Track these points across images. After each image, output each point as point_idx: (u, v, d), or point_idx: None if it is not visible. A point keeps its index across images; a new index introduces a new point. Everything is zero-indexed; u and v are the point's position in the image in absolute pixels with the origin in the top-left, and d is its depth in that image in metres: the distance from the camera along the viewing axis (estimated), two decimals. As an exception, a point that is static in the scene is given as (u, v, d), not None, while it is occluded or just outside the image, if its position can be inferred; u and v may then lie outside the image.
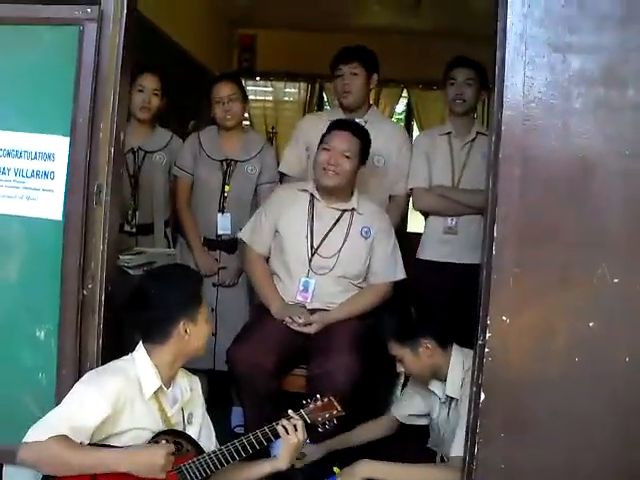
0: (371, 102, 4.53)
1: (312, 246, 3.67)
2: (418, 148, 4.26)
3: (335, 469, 3.12)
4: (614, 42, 2.42)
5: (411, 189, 4.19)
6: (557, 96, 2.42)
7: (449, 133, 4.18)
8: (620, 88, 2.40)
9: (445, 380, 3.07)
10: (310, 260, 3.66)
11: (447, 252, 4.08)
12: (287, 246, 3.70)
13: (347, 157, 3.59)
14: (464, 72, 4.05)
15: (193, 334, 2.67)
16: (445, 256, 4.08)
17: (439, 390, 3.12)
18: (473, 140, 4.08)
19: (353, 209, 3.71)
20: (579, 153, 2.40)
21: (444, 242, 4.10)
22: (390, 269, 3.76)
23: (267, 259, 3.83)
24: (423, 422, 3.33)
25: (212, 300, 4.15)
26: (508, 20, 2.44)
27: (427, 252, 4.19)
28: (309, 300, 3.65)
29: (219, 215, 4.27)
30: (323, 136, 3.70)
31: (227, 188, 4.29)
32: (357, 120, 4.11)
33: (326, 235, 3.69)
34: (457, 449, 2.83)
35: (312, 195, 3.73)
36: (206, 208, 4.32)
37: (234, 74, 4.94)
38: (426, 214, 4.27)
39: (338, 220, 3.71)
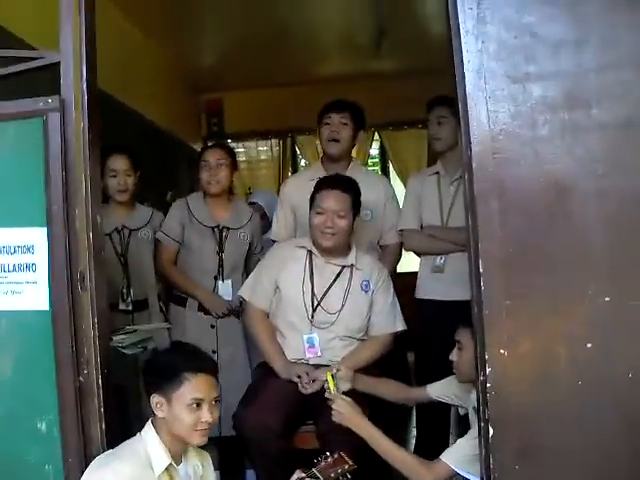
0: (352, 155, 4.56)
1: (313, 302, 3.66)
2: (409, 191, 4.33)
3: (328, 374, 3.26)
4: (571, 65, 2.43)
5: (401, 230, 4.21)
6: (523, 126, 2.43)
7: (437, 173, 4.22)
8: (583, 109, 2.41)
9: None
10: (312, 316, 3.65)
11: (435, 290, 4.10)
12: (288, 302, 3.69)
13: (341, 216, 3.61)
14: (437, 110, 4.10)
15: (168, 414, 2.58)
16: (432, 294, 4.12)
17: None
18: (461, 177, 4.08)
19: (352, 265, 3.71)
20: (552, 179, 2.41)
21: (433, 280, 4.12)
22: (390, 321, 3.76)
23: (268, 315, 3.81)
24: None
25: None
26: (464, 57, 2.46)
27: (420, 291, 4.22)
28: (319, 354, 3.63)
29: (220, 283, 4.26)
30: (313, 196, 3.69)
31: (223, 255, 4.29)
32: None
33: (327, 290, 3.68)
34: (447, 455, 2.84)
35: (310, 252, 3.73)
36: (203, 275, 4.31)
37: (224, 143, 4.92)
38: (418, 254, 4.32)
39: (338, 275, 3.71)
